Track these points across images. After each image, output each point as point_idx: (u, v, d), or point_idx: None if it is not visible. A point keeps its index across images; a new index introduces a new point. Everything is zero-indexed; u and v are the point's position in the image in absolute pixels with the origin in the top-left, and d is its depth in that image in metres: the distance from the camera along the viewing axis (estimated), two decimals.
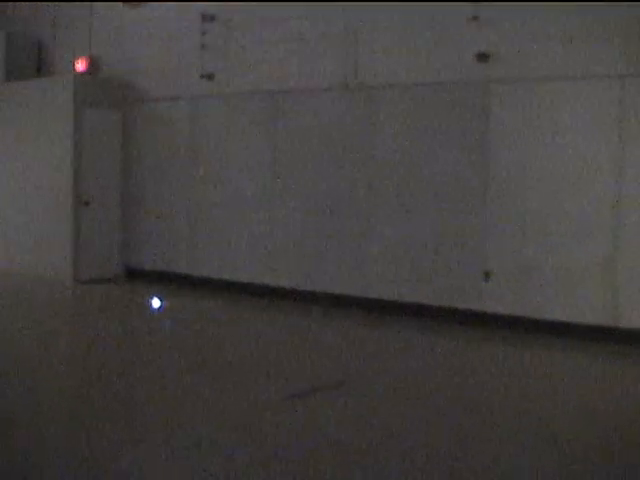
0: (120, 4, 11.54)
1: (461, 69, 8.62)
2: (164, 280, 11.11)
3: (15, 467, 4.34)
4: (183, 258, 11.00)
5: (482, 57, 8.41)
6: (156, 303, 9.70)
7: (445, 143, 8.75)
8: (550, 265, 8.11)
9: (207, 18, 10.57)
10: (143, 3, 11.33)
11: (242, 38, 10.36)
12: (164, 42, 11.15)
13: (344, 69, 9.48)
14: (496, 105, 8.41)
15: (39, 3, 12.63)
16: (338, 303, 9.49)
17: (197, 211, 10.85)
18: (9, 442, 4.78)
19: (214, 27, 10.58)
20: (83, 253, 11.14)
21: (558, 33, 8.04)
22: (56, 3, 12.41)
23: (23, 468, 4.34)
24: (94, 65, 11.87)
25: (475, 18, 8.45)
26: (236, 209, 10.42)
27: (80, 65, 11.88)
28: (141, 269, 11.47)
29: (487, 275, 8.49)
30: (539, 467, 4.58)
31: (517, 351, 7.62)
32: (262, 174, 10.18)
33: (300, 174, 9.83)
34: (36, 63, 12.74)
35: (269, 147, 10.12)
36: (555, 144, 8.09)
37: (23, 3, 12.82)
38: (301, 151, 9.84)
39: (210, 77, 10.61)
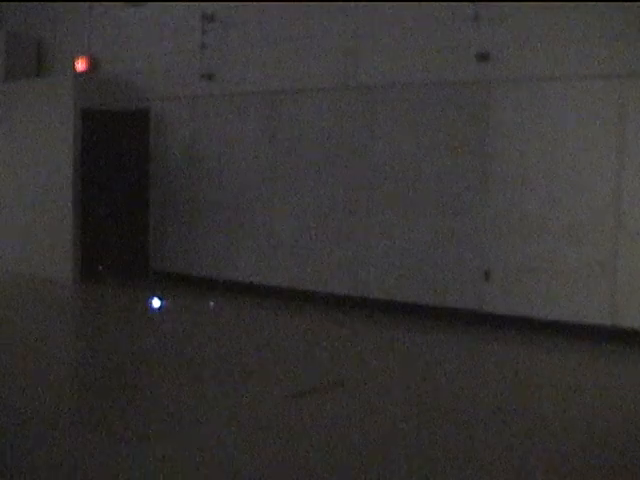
0: (120, 4, 11.55)
1: (461, 69, 8.63)
2: (165, 280, 11.11)
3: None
4: (182, 258, 11.00)
5: (482, 57, 8.42)
6: (156, 303, 9.70)
7: (445, 143, 8.75)
8: (550, 265, 8.11)
9: (207, 18, 10.58)
10: (143, 3, 11.33)
11: (242, 38, 10.36)
12: (164, 42, 11.15)
13: (344, 69, 9.48)
14: (496, 105, 8.42)
15: (39, 3, 12.63)
16: (338, 303, 9.49)
17: (195, 211, 10.84)
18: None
19: (214, 27, 10.59)
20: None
21: (558, 33, 8.05)
22: (56, 3, 12.42)
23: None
24: (94, 65, 11.88)
25: (475, 18, 8.46)
26: (235, 209, 10.42)
27: (80, 65, 11.88)
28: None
29: (487, 275, 8.49)
30: (540, 466, 4.59)
31: (517, 351, 7.62)
32: (262, 174, 10.18)
33: (300, 174, 9.83)
34: (36, 63, 12.75)
35: (269, 147, 10.12)
36: (555, 144, 8.09)
37: (23, 3, 12.83)
38: (301, 151, 9.84)
39: (210, 77, 10.62)
